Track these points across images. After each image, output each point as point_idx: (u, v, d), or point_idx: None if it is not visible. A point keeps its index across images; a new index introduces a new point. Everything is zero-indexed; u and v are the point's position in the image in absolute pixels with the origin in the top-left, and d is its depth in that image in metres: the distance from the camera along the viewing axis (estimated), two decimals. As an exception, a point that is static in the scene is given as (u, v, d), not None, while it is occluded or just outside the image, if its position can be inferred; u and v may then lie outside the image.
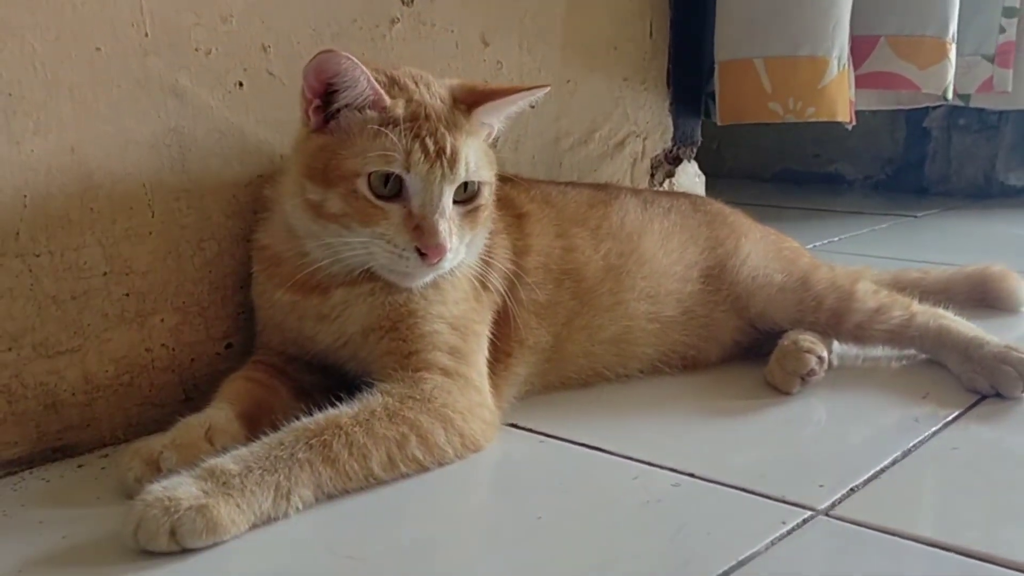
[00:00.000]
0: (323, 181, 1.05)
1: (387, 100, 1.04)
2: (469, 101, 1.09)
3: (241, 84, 1.20)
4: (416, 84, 1.09)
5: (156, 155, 1.13)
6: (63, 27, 1.04)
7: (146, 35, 1.11)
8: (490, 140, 1.15)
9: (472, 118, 1.08)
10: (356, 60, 1.01)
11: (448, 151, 1.03)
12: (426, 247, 1.02)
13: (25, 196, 1.03)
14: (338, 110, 1.05)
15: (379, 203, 1.03)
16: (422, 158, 1.02)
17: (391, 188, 1.03)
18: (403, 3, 1.38)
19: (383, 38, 1.35)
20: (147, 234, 1.13)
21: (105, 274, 1.10)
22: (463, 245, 1.08)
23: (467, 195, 1.08)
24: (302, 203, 1.07)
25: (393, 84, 1.08)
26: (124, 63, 1.09)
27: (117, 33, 1.08)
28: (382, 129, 1.02)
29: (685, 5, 1.91)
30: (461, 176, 1.05)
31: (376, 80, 1.04)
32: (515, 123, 1.58)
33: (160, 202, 1.14)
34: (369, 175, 1.03)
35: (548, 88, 1.15)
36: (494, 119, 1.13)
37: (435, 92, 1.09)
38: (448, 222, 1.04)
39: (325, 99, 1.05)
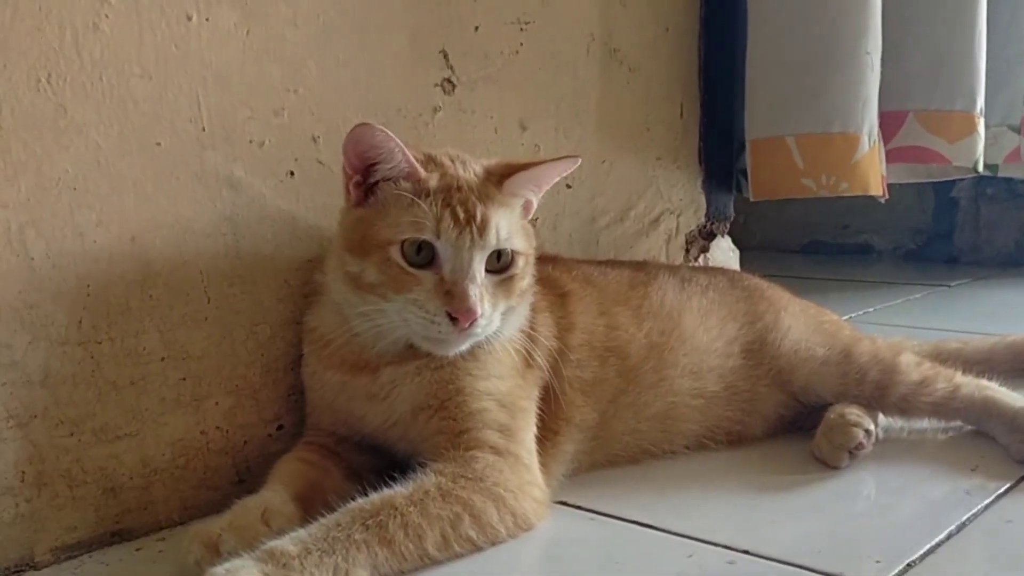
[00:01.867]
0: (361, 252, 1.08)
1: (422, 173, 1.08)
2: (501, 174, 1.12)
3: (292, 173, 1.24)
4: (452, 161, 1.13)
5: (212, 243, 1.17)
6: (125, 123, 1.09)
7: (203, 129, 1.15)
8: (529, 216, 1.18)
9: (504, 190, 1.11)
10: (390, 133, 1.05)
11: (478, 219, 1.06)
12: (456, 311, 1.04)
13: (88, 285, 1.07)
14: (376, 184, 1.10)
15: (411, 270, 1.06)
16: (452, 225, 1.05)
17: (423, 256, 1.06)
18: (444, 92, 1.43)
19: (426, 125, 1.40)
20: (203, 319, 1.16)
21: (163, 359, 1.13)
22: (497, 313, 1.09)
23: (500, 264, 1.10)
24: (343, 276, 1.10)
25: (430, 161, 1.12)
26: (182, 156, 1.14)
27: (176, 128, 1.13)
28: (415, 199, 1.06)
29: (714, 86, 1.96)
30: (492, 243, 1.07)
31: (413, 157, 1.08)
32: (552, 203, 1.63)
33: (215, 288, 1.17)
34: (402, 243, 1.06)
35: (578, 159, 1.17)
36: (527, 191, 1.16)
37: (469, 168, 1.12)
38: (479, 288, 1.05)
39: (364, 175, 1.10)
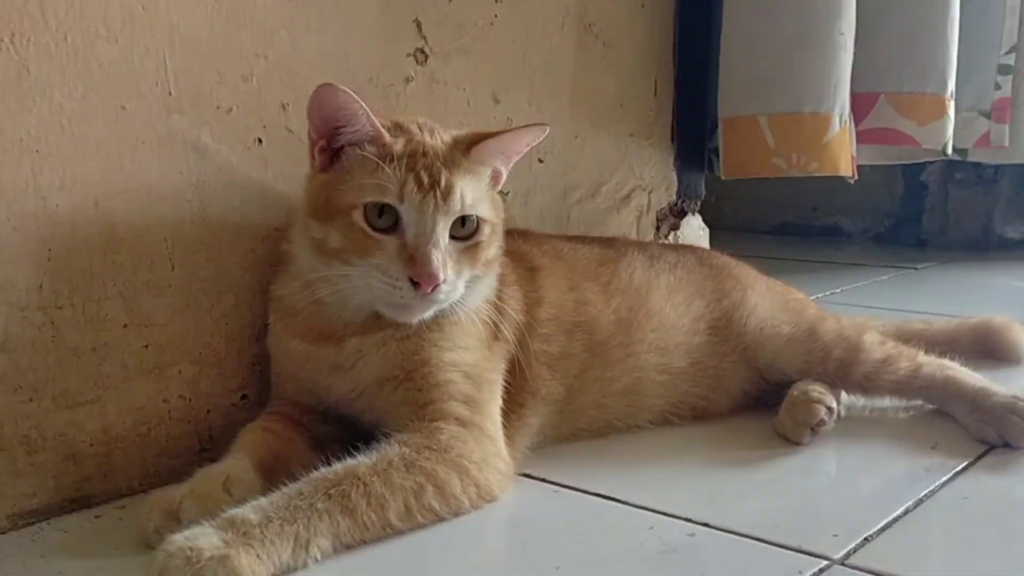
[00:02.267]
0: (325, 217, 1.08)
1: (387, 137, 1.08)
2: (468, 142, 1.12)
3: (261, 140, 1.23)
4: (420, 128, 1.12)
5: (177, 209, 1.16)
6: (90, 85, 1.07)
7: (170, 93, 1.14)
8: (498, 186, 1.18)
9: (471, 157, 1.11)
10: (354, 95, 1.05)
11: (443, 184, 1.06)
12: (418, 276, 1.03)
13: (49, 249, 1.05)
14: (341, 148, 1.09)
15: (375, 235, 1.05)
16: (415, 189, 1.05)
17: (386, 220, 1.05)
18: (417, 62, 1.42)
19: (398, 96, 1.39)
20: (167, 287, 1.15)
21: (125, 326, 1.12)
22: (461, 281, 1.08)
23: (465, 231, 1.09)
24: (308, 243, 1.10)
25: (397, 127, 1.12)
26: (148, 120, 1.12)
27: (142, 91, 1.11)
28: (379, 163, 1.05)
29: (688, 64, 1.96)
30: (455, 209, 1.06)
31: (381, 125, 1.08)
32: (524, 177, 1.62)
33: (180, 255, 1.16)
34: (365, 206, 1.05)
35: (547, 128, 1.17)
36: (496, 160, 1.15)
37: (437, 135, 1.12)
38: (442, 253, 1.05)
39: (329, 139, 1.09)
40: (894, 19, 2.00)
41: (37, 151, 1.03)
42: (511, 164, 1.17)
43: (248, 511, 0.91)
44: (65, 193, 1.06)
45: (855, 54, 1.89)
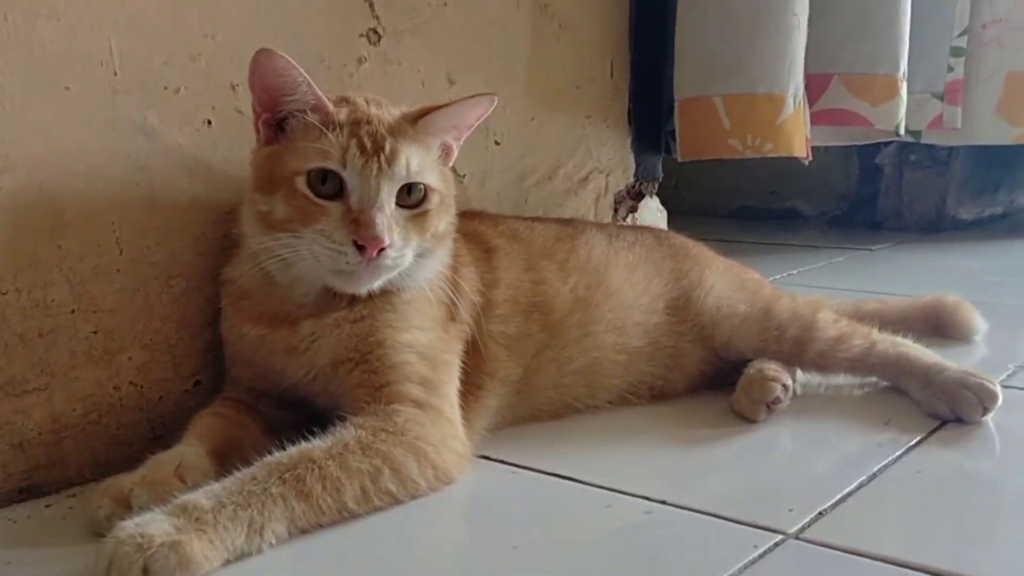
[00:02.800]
0: (269, 188, 1.07)
1: (330, 106, 1.07)
2: (416, 115, 1.11)
3: (210, 122, 1.21)
4: (367, 102, 1.12)
5: (125, 192, 1.13)
6: (32, 66, 1.04)
7: (115, 74, 1.11)
8: (450, 162, 1.17)
9: (418, 128, 1.10)
10: (292, 61, 1.05)
11: (387, 149, 1.05)
12: (363, 239, 1.02)
13: (-8, 234, 1.03)
14: (284, 119, 1.08)
15: (319, 201, 1.04)
16: (358, 154, 1.04)
17: (330, 187, 1.05)
18: (370, 43, 1.40)
19: (351, 77, 1.37)
20: (115, 271, 1.13)
21: (73, 312, 1.10)
22: (408, 249, 1.07)
23: (412, 199, 1.08)
24: (255, 217, 1.09)
25: (342, 100, 1.11)
26: (93, 102, 1.10)
27: (86, 72, 1.09)
28: (323, 129, 1.05)
29: (645, 46, 1.95)
30: (400, 174, 1.05)
31: (329, 98, 1.08)
32: (481, 160, 1.62)
33: (128, 239, 1.14)
34: (308, 173, 1.05)
35: (494, 98, 1.15)
36: (445, 133, 1.14)
37: (385, 108, 1.11)
38: (388, 218, 1.04)
39: (273, 111, 1.09)
40: (847, 0, 2.01)
41: (-22, 133, 1.01)
42: (462, 140, 1.17)
43: (200, 496, 0.90)
44: (8, 176, 1.04)
45: (808, 35, 1.90)
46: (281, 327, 1.11)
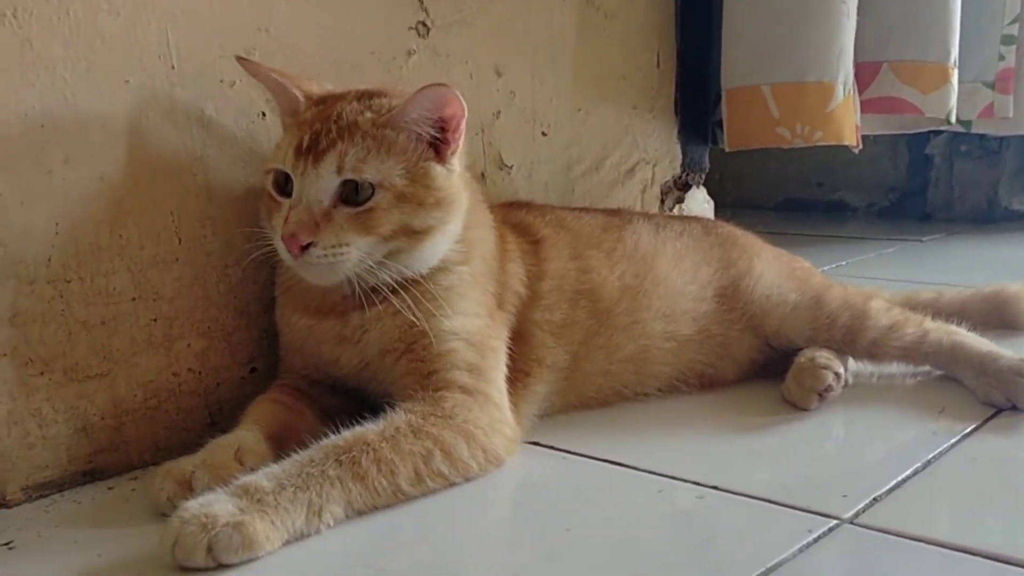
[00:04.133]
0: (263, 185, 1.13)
1: (301, 105, 1.12)
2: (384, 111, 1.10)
3: (264, 114, 1.23)
4: (356, 99, 1.11)
5: (182, 183, 1.16)
6: (93, 59, 1.07)
7: (173, 67, 1.14)
8: (444, 156, 1.11)
9: (380, 126, 1.07)
10: (261, 64, 1.13)
11: (320, 146, 1.06)
12: (283, 237, 1.05)
13: (56, 224, 1.06)
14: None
15: (278, 198, 1.09)
16: (293, 153, 1.07)
17: (287, 185, 1.08)
18: (419, 35, 1.41)
19: (400, 69, 1.39)
20: (174, 260, 1.16)
21: (133, 300, 1.12)
22: (349, 247, 1.04)
23: (357, 197, 1.06)
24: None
25: (322, 100, 1.12)
26: (152, 94, 1.12)
27: (145, 65, 1.11)
28: (285, 130, 1.11)
29: (691, 36, 1.95)
30: (327, 172, 1.04)
31: (303, 94, 1.12)
32: (528, 151, 1.63)
33: (186, 229, 1.16)
34: (273, 172, 1.10)
35: (445, 87, 1.06)
36: (414, 127, 1.08)
37: (371, 107, 1.10)
38: (313, 215, 1.04)
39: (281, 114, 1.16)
40: (896, -13, 1.99)
41: (42, 126, 1.04)
42: (452, 132, 1.10)
43: (261, 478, 0.92)
44: (70, 167, 1.06)
45: (858, 23, 1.88)
46: (329, 318, 1.13)
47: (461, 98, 1.08)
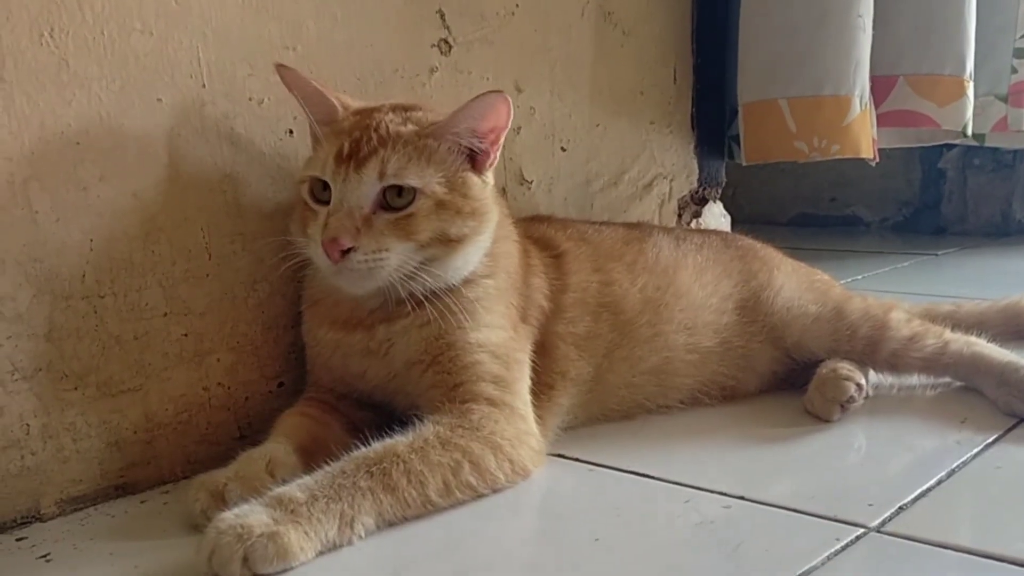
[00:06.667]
0: (297, 197, 1.14)
1: (340, 114, 1.13)
2: (427, 125, 1.12)
3: (291, 132, 1.25)
4: (391, 111, 1.13)
5: (213, 199, 1.18)
6: (127, 78, 1.09)
7: (203, 85, 1.16)
8: (483, 167, 1.14)
9: (422, 136, 1.09)
10: (303, 75, 1.13)
11: (362, 153, 1.07)
12: (323, 243, 1.05)
13: (91, 240, 1.08)
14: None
15: (314, 206, 1.10)
16: (333, 160, 1.08)
17: (325, 194, 1.09)
18: (441, 53, 1.43)
19: (423, 86, 1.41)
20: (204, 276, 1.17)
21: (165, 315, 1.14)
22: (389, 252, 1.06)
23: (399, 202, 1.07)
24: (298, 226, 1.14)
25: (359, 112, 1.14)
26: (183, 112, 1.14)
27: (176, 83, 1.14)
28: (325, 140, 1.11)
29: (707, 52, 1.97)
30: (370, 177, 1.06)
31: (340, 104, 1.13)
32: (547, 166, 1.64)
33: (216, 245, 1.18)
34: (309, 180, 1.10)
35: (495, 94, 1.09)
36: (459, 138, 1.11)
37: (410, 119, 1.12)
38: (354, 221, 1.05)
39: (311, 125, 1.15)
40: (911, 1, 2.00)
41: (78, 143, 1.06)
42: (492, 143, 1.13)
43: (294, 489, 0.93)
44: (105, 184, 1.08)
45: (873, 36, 1.89)
46: (356, 331, 1.15)
47: (512, 108, 1.12)
